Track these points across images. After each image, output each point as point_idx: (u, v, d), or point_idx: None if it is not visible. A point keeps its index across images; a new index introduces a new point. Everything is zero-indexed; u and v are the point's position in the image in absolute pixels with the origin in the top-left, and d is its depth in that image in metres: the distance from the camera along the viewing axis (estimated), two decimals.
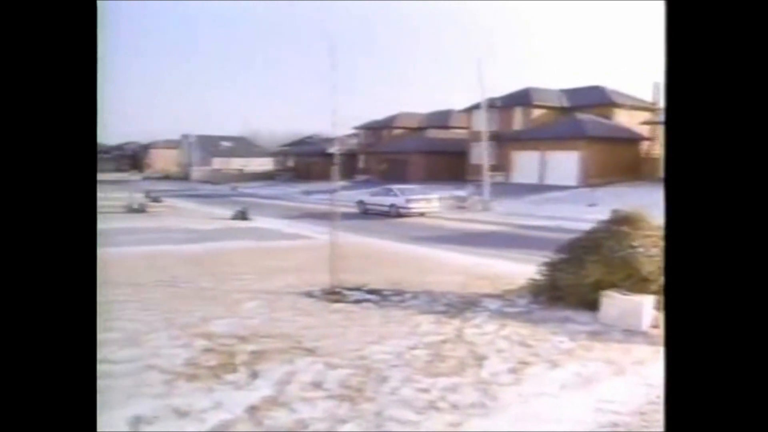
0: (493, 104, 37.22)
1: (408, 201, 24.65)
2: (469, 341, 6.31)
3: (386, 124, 58.12)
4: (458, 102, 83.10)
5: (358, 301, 8.15)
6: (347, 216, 22.73)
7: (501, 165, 39.12)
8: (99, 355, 5.57)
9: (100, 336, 6.22)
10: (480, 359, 5.71)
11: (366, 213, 25.76)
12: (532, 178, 37.29)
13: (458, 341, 6.31)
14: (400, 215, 24.31)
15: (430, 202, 25.59)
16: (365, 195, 27.53)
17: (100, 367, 5.26)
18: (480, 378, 5.22)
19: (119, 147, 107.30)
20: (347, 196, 27.63)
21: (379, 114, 70.85)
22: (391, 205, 24.91)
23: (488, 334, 6.62)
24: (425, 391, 4.88)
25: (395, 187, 26.96)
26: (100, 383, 4.91)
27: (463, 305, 7.97)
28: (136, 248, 13.60)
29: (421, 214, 24.61)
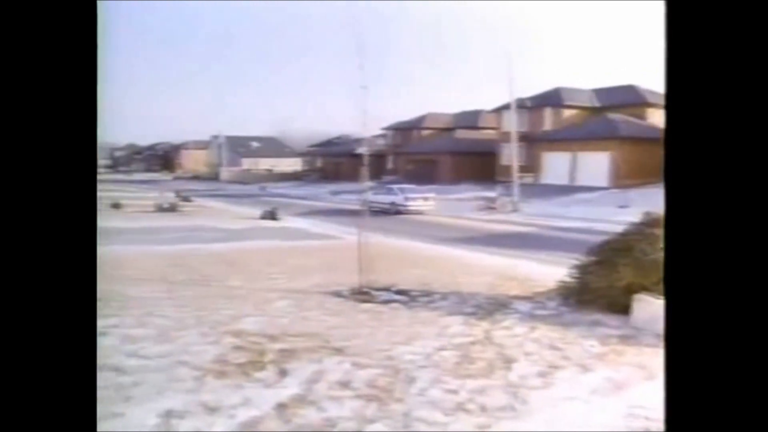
0: (522, 104, 36.90)
1: (406, 199, 26.16)
2: (498, 343, 6.25)
3: (415, 125, 58.06)
4: (487, 102, 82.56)
5: (386, 302, 8.15)
6: (353, 213, 23.63)
7: (531, 166, 38.75)
8: (132, 350, 5.70)
9: (135, 331, 6.35)
10: (509, 362, 5.66)
11: (369, 210, 26.40)
12: (562, 179, 36.82)
13: (487, 343, 6.26)
14: (399, 212, 25.51)
15: (427, 200, 27.19)
16: (369, 193, 28.54)
17: (134, 362, 5.37)
18: (509, 381, 5.16)
19: (151, 147, 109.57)
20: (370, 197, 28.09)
21: (407, 114, 70.87)
22: (391, 203, 26.18)
23: (517, 336, 6.55)
24: (454, 392, 4.85)
25: (395, 186, 28.66)
26: (134, 377, 5.02)
27: (492, 307, 7.91)
28: (167, 247, 13.82)
29: (420, 212, 25.89)
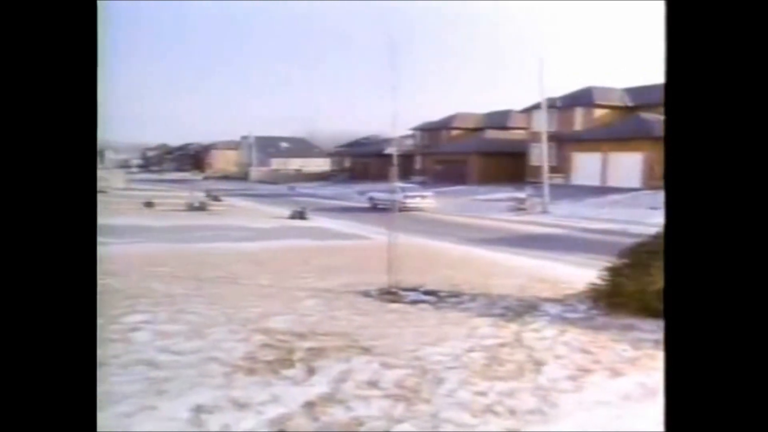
0: (553, 104, 36.48)
1: (406, 197, 27.83)
2: (527, 346, 6.18)
3: (444, 125, 57.86)
4: (517, 102, 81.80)
5: (414, 302, 8.13)
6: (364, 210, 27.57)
7: (561, 166, 38.29)
8: (164, 346, 5.78)
9: (167, 327, 6.45)
10: (539, 364, 5.59)
11: (375, 207, 29.04)
12: (593, 180, 36.30)
13: (516, 345, 6.19)
14: (398, 210, 26.10)
15: (424, 198, 29.27)
16: (375, 192, 31.66)
17: (166, 357, 5.45)
18: (538, 384, 5.10)
19: (181, 147, 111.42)
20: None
21: (436, 114, 70.71)
22: (392, 201, 26.81)
23: (547, 339, 6.47)
24: (482, 394, 4.81)
25: (396, 185, 29.79)
26: (166, 372, 5.10)
27: (521, 309, 7.82)
28: (197, 245, 14.03)
29: (420, 209, 27.64)
